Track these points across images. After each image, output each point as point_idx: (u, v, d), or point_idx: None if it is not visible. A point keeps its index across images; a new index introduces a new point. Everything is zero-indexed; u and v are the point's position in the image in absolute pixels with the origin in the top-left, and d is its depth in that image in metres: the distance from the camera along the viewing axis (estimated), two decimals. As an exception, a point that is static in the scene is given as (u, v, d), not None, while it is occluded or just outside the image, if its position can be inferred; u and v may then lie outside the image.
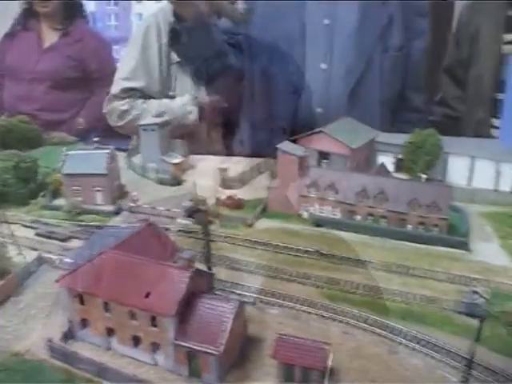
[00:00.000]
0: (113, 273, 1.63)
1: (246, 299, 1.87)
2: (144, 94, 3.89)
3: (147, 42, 3.74)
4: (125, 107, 3.86)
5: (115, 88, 3.91)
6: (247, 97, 3.66)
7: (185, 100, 3.86)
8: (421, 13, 3.53)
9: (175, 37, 3.17)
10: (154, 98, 3.91)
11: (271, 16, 3.34)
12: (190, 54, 3.38)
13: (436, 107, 4.11)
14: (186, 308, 1.55)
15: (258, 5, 3.37)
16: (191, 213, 2.26)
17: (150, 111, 3.81)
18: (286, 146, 2.44)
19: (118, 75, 3.96)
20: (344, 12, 3.33)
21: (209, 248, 1.73)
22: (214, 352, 1.48)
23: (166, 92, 3.95)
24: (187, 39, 3.11)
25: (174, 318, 1.51)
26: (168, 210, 2.50)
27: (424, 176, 2.58)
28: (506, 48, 3.45)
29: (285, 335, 1.55)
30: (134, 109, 3.84)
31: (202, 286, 1.65)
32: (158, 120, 2.93)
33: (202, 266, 1.88)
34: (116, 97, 3.89)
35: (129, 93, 3.86)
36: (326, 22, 3.32)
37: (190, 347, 1.51)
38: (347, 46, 3.34)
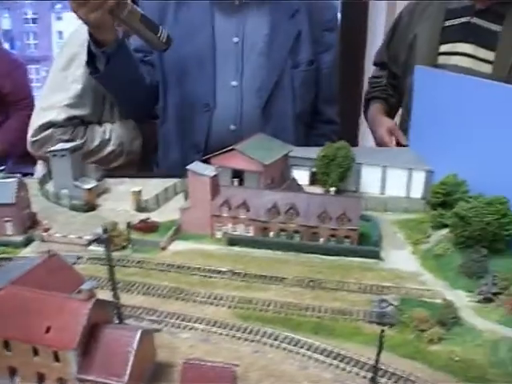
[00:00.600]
0: (12, 309, 1.58)
1: (155, 325, 1.86)
2: (84, 121, 3.69)
3: None
4: (66, 136, 3.57)
5: (56, 115, 3.58)
6: (161, 116, 3.66)
7: (130, 125, 3.79)
8: (328, 27, 3.63)
9: (93, 63, 3.08)
10: (93, 123, 3.74)
11: (182, 34, 3.36)
12: (111, 82, 3.29)
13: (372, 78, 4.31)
14: (88, 340, 1.53)
15: (169, 23, 3.38)
16: (99, 239, 2.24)
17: (94, 139, 3.68)
18: (196, 166, 2.45)
19: (57, 100, 3.62)
20: (252, 30, 3.38)
21: (113, 275, 1.71)
22: (118, 383, 1.47)
23: (110, 119, 3.82)
24: (108, 66, 3.03)
25: (75, 351, 1.49)
26: (80, 237, 2.46)
27: (333, 189, 2.65)
28: (441, 58, 3.57)
29: (191, 360, 1.56)
30: (77, 137, 3.59)
31: (106, 316, 1.63)
32: (69, 145, 2.87)
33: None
34: (55, 125, 3.58)
35: (72, 121, 3.61)
36: (235, 40, 3.37)
37: (93, 380, 1.49)
38: (257, 63, 3.40)
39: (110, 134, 3.72)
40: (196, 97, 3.41)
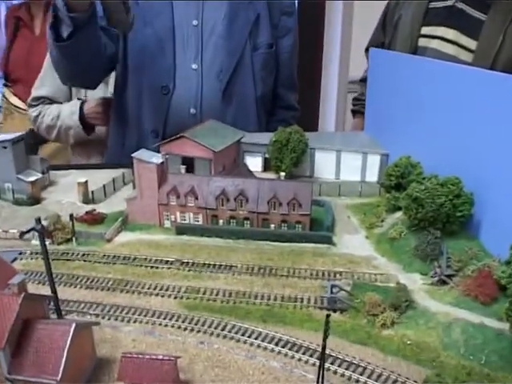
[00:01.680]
0: None
1: (99, 319, 1.81)
2: (53, 102, 4.03)
3: None
4: (35, 113, 4.01)
5: (30, 97, 4.06)
6: (116, 101, 3.57)
7: (73, 102, 3.97)
8: (287, 12, 3.61)
9: (59, 29, 2.84)
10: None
11: (142, 17, 3.27)
12: (74, 52, 3.00)
13: (359, 85, 4.23)
14: (19, 337, 1.45)
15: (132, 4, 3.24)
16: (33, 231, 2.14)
17: (48, 115, 3.98)
18: (141, 154, 2.39)
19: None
20: (212, 12, 3.34)
21: (49, 268, 1.64)
22: (51, 381, 1.40)
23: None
24: (77, 34, 2.83)
25: (3, 350, 1.41)
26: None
27: (282, 174, 2.61)
28: (422, 41, 3.51)
29: (129, 353, 1.50)
30: (41, 114, 4.00)
31: (39, 311, 1.56)
32: (10, 136, 2.76)
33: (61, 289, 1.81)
34: (29, 105, 4.07)
35: (39, 100, 4.02)
36: (195, 22, 3.32)
37: (24, 380, 1.42)
38: (217, 46, 3.36)
39: (60, 109, 3.98)
40: (155, 80, 3.33)
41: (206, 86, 3.37)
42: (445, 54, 3.34)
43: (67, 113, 3.92)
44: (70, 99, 4.08)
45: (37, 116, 4.01)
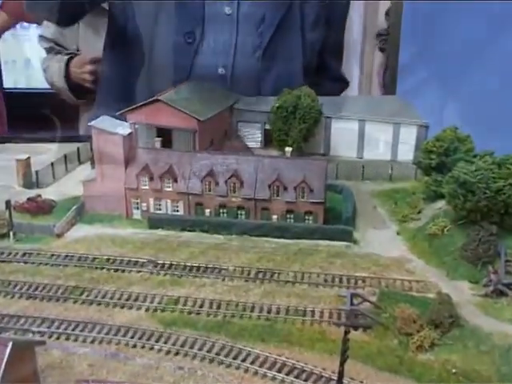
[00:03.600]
0: None
1: (39, 338, 1.81)
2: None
3: None
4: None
5: None
6: (119, 52, 3.52)
7: (59, 57, 4.17)
8: None
9: None
10: None
11: None
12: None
13: (384, 18, 4.78)
14: None
15: None
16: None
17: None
18: (103, 122, 2.39)
19: None
20: None
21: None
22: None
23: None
24: None
25: None
26: None
27: (289, 149, 2.60)
28: None
29: (85, 381, 1.50)
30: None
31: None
32: None
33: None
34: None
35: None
36: None
37: None
38: None
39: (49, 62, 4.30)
40: (177, 23, 3.25)
41: (242, 38, 3.29)
42: None
43: (55, 68, 4.10)
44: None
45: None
